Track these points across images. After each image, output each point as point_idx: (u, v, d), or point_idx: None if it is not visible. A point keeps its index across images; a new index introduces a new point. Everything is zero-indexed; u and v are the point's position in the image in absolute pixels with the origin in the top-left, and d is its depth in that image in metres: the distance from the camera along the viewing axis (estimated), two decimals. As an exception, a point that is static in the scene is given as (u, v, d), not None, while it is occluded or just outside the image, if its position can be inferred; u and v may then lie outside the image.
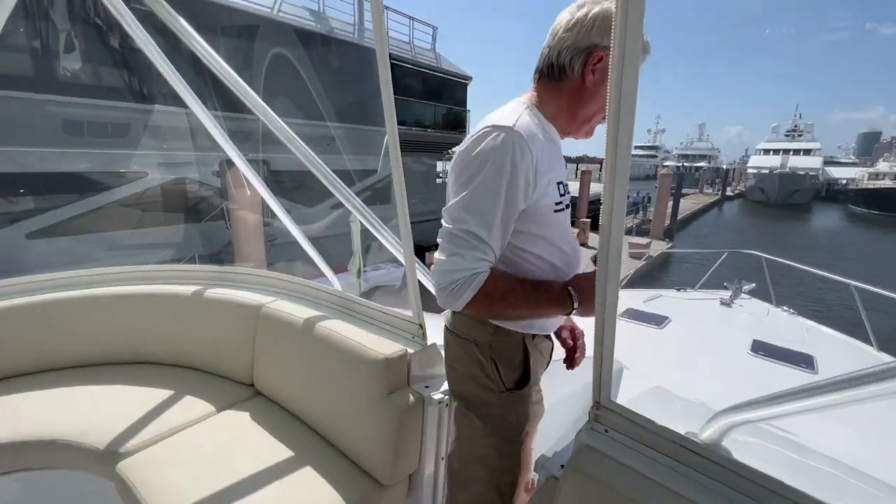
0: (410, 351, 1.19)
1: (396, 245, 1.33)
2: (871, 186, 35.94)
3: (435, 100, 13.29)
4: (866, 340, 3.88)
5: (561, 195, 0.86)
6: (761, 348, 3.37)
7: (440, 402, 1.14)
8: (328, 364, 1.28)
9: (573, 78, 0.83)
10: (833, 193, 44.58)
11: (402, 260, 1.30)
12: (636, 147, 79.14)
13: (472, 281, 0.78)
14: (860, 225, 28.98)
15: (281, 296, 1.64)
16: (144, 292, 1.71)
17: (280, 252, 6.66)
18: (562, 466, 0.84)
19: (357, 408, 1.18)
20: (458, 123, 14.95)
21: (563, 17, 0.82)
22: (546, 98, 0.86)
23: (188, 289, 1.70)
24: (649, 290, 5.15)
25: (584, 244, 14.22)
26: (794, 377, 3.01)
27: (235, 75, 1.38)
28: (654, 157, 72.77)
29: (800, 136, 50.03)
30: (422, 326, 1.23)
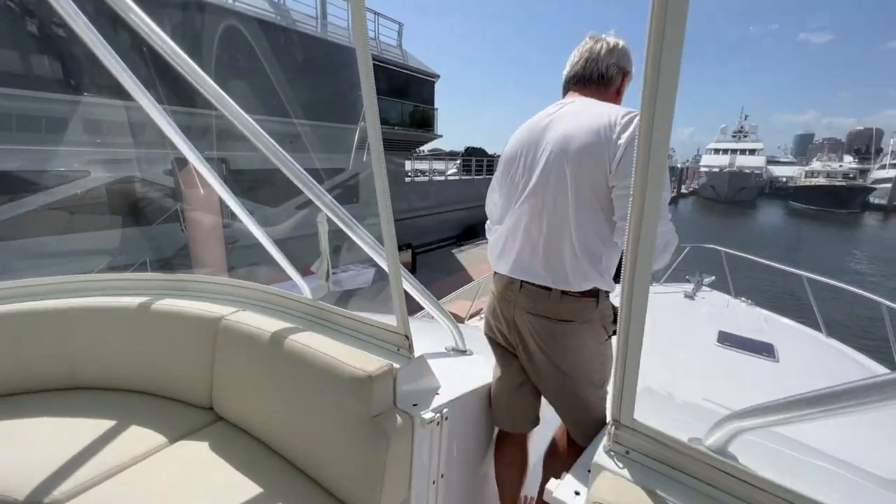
0: (396, 366, 1.05)
1: (375, 247, 1.20)
2: (807, 184, 38.98)
3: (401, 97, 13.10)
4: (816, 327, 4.12)
5: None
6: (727, 339, 3.48)
7: (431, 421, 1.02)
8: (301, 384, 1.12)
9: (613, 87, 1.14)
10: (775, 190, 48.05)
11: (383, 265, 1.17)
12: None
13: (675, 238, 1.01)
14: (800, 220, 31.33)
15: (244, 306, 1.46)
16: (80, 306, 1.48)
17: (242, 255, 6.28)
18: (576, 493, 0.74)
19: (336, 433, 1.04)
20: (425, 122, 14.81)
21: (599, 46, 1.12)
22: (599, 98, 1.12)
23: (133, 300, 1.49)
24: (616, 286, 5.33)
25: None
26: (758, 365, 3.13)
27: (192, 63, 1.17)
28: (615, 156, 75.59)
29: (745, 136, 53.49)
30: (408, 337, 1.10)
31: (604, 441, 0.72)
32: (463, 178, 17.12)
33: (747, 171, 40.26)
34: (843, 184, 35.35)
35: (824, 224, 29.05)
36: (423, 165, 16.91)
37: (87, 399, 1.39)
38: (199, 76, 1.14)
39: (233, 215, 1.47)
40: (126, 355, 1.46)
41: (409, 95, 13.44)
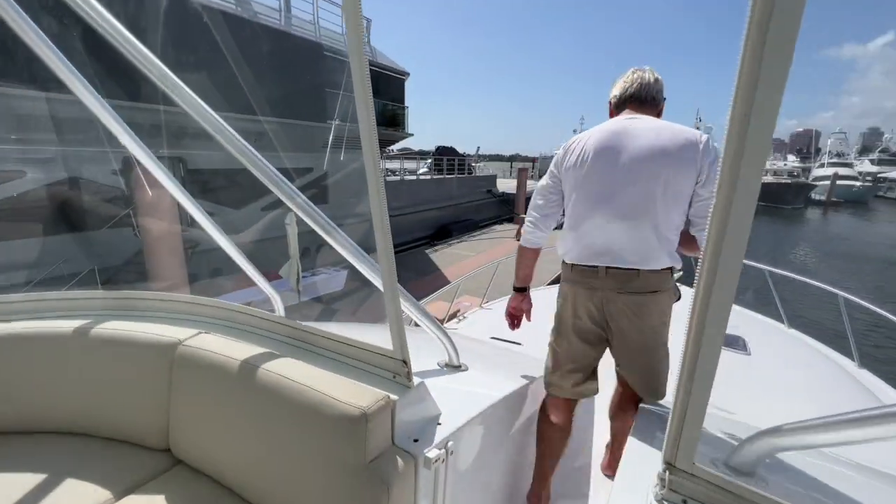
0: (394, 397, 0.90)
1: (357, 255, 1.04)
2: (757, 181, 41.75)
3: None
4: (778, 318, 4.33)
5: None
6: None
7: (437, 459, 0.88)
8: (279, 422, 0.95)
9: (658, 108, 1.41)
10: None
11: (370, 276, 1.01)
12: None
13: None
14: (755, 215, 33.33)
15: (206, 327, 1.25)
16: (1, 333, 1.23)
17: (202, 261, 5.85)
18: None
19: (324, 483, 0.87)
20: (395, 120, 14.56)
21: (647, 76, 1.40)
22: (651, 115, 1.38)
23: (69, 325, 1.25)
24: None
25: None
26: (732, 359, 3.21)
27: (149, 53, 0.96)
28: (580, 155, 77.58)
29: (701, 137, 56.28)
30: (406, 363, 0.95)
31: (654, 489, 0.61)
32: (435, 177, 16.99)
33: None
34: (789, 181, 37.86)
35: (774, 219, 31.05)
36: (394, 165, 16.65)
37: (9, 447, 1.15)
38: (156, 67, 0.94)
39: (192, 219, 1.27)
40: (61, 390, 1.22)
41: (378, 93, 13.16)
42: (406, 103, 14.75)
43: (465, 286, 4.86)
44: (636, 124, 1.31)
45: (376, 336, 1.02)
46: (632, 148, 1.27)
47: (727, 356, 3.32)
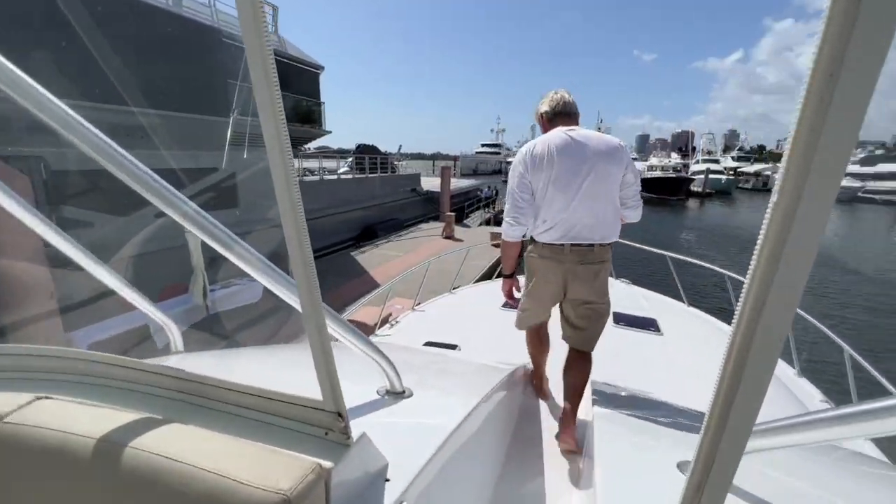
0: (328, 464, 0.63)
1: (267, 272, 0.85)
2: (649, 177, 47.09)
3: (282, 89, 11.88)
4: (679, 298, 4.80)
5: None
6: (621, 319, 3.80)
7: None
8: None
9: (578, 119, 1.86)
10: (626, 182, 56.63)
11: (287, 299, 0.83)
12: (483, 145, 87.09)
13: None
14: (649, 206, 37.55)
15: (50, 388, 0.81)
16: None
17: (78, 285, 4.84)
18: None
19: None
20: (310, 117, 13.74)
21: (568, 96, 1.86)
22: (575, 125, 1.82)
23: None
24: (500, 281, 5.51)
25: (449, 237, 14.77)
26: (648, 340, 3.47)
27: None
28: (498, 153, 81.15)
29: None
30: (341, 415, 0.69)
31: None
32: (357, 176, 16.41)
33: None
34: (673, 176, 43.45)
35: (663, 209, 35.37)
36: (312, 164, 15.73)
37: None
38: None
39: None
40: None
41: (289, 87, 12.28)
42: (322, 98, 13.99)
43: (395, 288, 4.68)
44: (579, 132, 1.74)
45: (301, 373, 0.78)
46: (585, 150, 1.69)
47: (644, 337, 3.54)
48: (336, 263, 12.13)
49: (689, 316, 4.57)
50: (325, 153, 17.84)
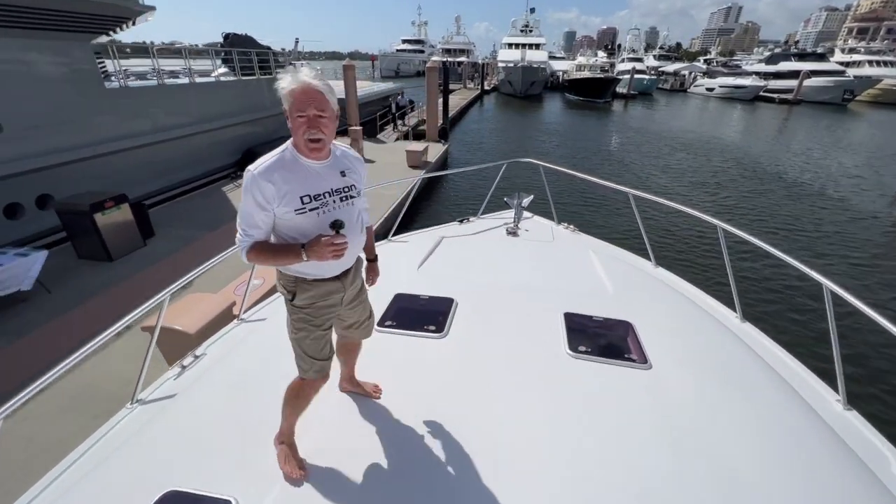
0: None
1: None
2: (576, 77, 45.17)
3: None
4: (645, 255, 3.95)
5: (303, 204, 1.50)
6: (580, 340, 2.52)
7: None
8: None
9: None
10: (554, 84, 54.38)
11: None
12: (404, 41, 77.24)
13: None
14: (574, 109, 36.45)
15: None
16: None
17: None
18: None
19: None
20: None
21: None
22: None
23: None
24: (426, 233, 4.35)
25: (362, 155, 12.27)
26: (629, 381, 2.24)
27: None
28: (422, 51, 72.76)
29: (531, 31, 57.52)
30: None
31: None
32: (243, 78, 12.44)
33: (535, 65, 43.59)
34: (601, 76, 42.04)
35: (591, 113, 34.48)
36: (175, 64, 11.39)
37: None
38: None
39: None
40: None
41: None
42: None
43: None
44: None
45: None
46: None
47: (621, 379, 2.27)
48: (203, 205, 9.19)
49: (650, 280, 3.54)
50: (174, 49, 12.76)
